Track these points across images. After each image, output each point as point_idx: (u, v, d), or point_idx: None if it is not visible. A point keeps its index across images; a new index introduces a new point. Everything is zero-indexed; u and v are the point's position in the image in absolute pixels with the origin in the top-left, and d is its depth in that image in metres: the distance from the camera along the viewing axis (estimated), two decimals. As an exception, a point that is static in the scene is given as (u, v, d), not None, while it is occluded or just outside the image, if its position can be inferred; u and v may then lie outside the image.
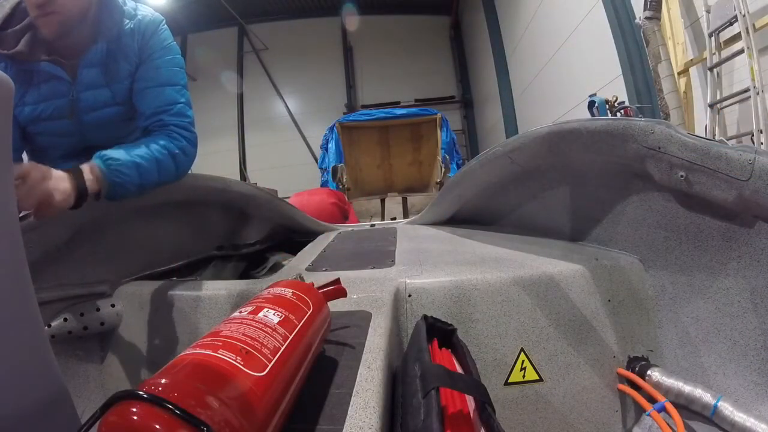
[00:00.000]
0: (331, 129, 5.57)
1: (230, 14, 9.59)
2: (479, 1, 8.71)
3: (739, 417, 0.72)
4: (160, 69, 1.08)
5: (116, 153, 0.92)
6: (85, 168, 0.86)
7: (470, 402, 0.58)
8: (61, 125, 1.06)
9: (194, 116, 1.12)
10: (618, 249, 1.08)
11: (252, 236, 1.79)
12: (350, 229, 1.93)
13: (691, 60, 3.47)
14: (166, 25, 1.12)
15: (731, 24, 2.93)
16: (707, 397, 0.78)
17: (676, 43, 3.60)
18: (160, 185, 1.02)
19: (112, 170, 0.89)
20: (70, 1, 0.95)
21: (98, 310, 1.03)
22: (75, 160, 0.90)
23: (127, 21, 1.06)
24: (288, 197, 2.65)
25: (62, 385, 0.51)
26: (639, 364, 0.91)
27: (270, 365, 0.41)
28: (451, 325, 0.76)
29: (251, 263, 1.73)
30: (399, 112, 5.86)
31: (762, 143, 2.71)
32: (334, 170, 5.08)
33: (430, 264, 1.05)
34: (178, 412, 0.30)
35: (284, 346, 0.45)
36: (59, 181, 0.79)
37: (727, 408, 0.74)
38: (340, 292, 0.69)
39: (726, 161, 0.74)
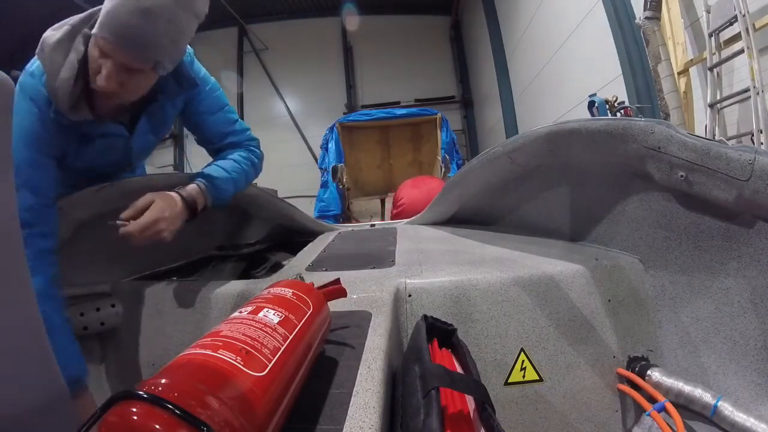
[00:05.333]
0: (331, 129, 5.56)
1: (230, 14, 9.57)
2: (479, 1, 8.70)
3: (739, 417, 0.72)
4: (208, 99, 1.15)
5: (216, 172, 1.09)
6: (192, 189, 1.01)
7: (470, 402, 0.58)
8: (113, 170, 1.11)
9: (247, 125, 1.26)
10: (618, 249, 1.08)
11: (252, 236, 1.79)
12: (350, 229, 1.93)
13: (691, 60, 3.47)
14: (194, 58, 1.12)
15: (731, 24, 2.93)
16: (707, 397, 0.78)
17: (676, 43, 3.60)
18: (247, 186, 1.22)
19: (216, 188, 1.06)
20: (132, 94, 0.91)
21: (98, 310, 1.03)
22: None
23: None
24: (288, 197, 2.65)
25: (62, 385, 0.51)
26: (639, 364, 0.91)
27: (270, 365, 0.41)
28: (451, 325, 0.76)
29: (251, 263, 1.73)
30: (399, 112, 5.85)
31: (762, 143, 2.70)
32: (334, 170, 5.08)
33: (430, 264, 1.05)
34: (178, 412, 0.30)
35: (284, 346, 0.45)
36: (174, 207, 0.93)
37: (727, 408, 0.74)
38: (340, 292, 0.69)
39: (726, 161, 0.74)
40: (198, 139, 1.20)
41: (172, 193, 0.96)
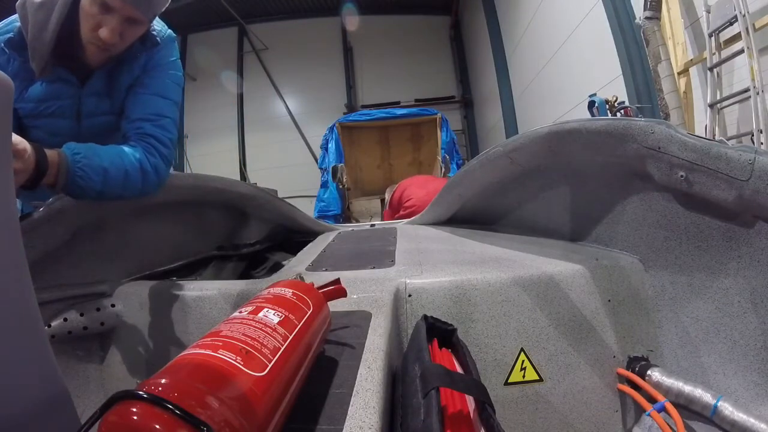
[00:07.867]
0: (331, 129, 5.57)
1: (230, 14, 9.58)
2: (479, 1, 8.70)
3: (739, 417, 0.72)
4: (158, 80, 1.08)
5: (87, 151, 0.86)
6: (52, 154, 0.79)
7: (470, 402, 0.58)
8: (60, 124, 1.07)
9: (176, 137, 1.10)
10: (618, 249, 1.08)
11: (252, 236, 1.79)
12: (350, 229, 1.93)
13: (691, 60, 3.46)
14: (176, 43, 1.15)
15: (731, 24, 2.92)
16: (707, 397, 0.78)
17: (676, 43, 3.60)
18: (121, 198, 0.96)
19: (78, 167, 0.83)
20: (125, 44, 0.99)
21: (98, 310, 1.03)
22: None
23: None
24: (288, 197, 2.65)
25: (62, 385, 0.51)
26: (639, 364, 0.91)
27: (270, 365, 0.41)
28: (451, 325, 0.76)
29: (251, 263, 1.73)
30: (399, 112, 5.86)
31: (762, 143, 2.70)
32: (334, 170, 5.08)
33: (430, 264, 1.05)
34: (178, 412, 0.30)
35: (284, 346, 0.45)
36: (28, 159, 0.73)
37: (727, 408, 0.74)
38: (340, 292, 0.69)
39: (726, 161, 0.74)
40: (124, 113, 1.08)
41: (31, 148, 0.75)
